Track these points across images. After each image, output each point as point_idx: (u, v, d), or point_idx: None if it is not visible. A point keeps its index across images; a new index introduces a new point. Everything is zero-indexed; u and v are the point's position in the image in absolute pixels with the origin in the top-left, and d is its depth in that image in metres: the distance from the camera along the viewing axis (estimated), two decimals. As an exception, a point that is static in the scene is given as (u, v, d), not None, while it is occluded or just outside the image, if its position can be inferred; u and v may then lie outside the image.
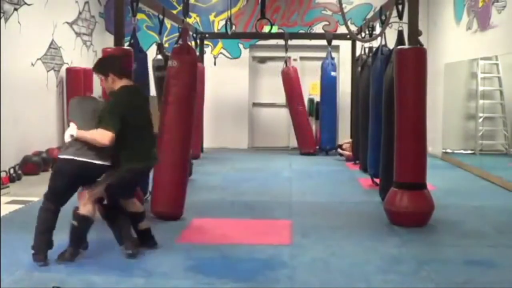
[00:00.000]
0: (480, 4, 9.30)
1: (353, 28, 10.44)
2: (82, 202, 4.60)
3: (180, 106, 6.00)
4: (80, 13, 11.46)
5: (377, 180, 7.20)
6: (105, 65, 4.78)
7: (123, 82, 4.72)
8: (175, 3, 12.28)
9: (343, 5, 6.73)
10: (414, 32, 5.86)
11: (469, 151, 10.78)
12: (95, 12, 12.25)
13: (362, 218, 6.10)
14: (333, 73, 11.43)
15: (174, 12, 10.45)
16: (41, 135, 9.72)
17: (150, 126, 4.86)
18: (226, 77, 12.40)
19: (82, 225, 4.57)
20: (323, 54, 11.55)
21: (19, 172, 8.49)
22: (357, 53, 10.36)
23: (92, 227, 4.63)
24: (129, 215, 4.83)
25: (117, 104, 4.62)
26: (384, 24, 6.97)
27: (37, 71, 9.64)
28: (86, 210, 4.55)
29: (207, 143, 11.94)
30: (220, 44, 12.75)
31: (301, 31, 12.45)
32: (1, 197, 6.91)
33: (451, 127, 11.10)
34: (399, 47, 6.15)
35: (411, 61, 5.84)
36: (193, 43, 10.37)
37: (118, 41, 6.02)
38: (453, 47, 10.74)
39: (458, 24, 10.43)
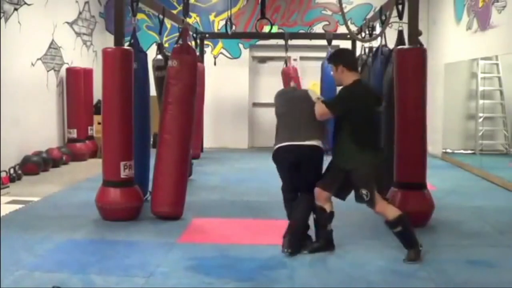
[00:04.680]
0: (480, 4, 9.30)
1: (353, 28, 10.44)
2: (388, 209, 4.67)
3: (180, 106, 6.00)
4: (80, 13, 11.47)
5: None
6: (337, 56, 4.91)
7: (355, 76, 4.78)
8: (175, 3, 12.28)
9: (343, 5, 6.72)
10: (414, 32, 5.86)
11: (469, 151, 10.78)
12: (95, 12, 12.25)
13: (362, 218, 6.08)
14: (332, 73, 11.40)
15: (174, 12, 10.44)
16: (41, 135, 9.73)
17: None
18: (226, 77, 12.40)
19: (404, 224, 4.60)
20: (323, 54, 11.53)
21: (19, 172, 8.49)
22: (357, 53, 10.36)
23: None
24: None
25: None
26: (384, 24, 6.96)
27: (37, 71, 9.65)
28: (391, 213, 4.63)
29: (207, 143, 11.94)
30: (220, 44, 12.75)
31: (301, 31, 12.45)
32: (1, 197, 6.91)
33: (451, 127, 11.10)
34: (399, 47, 6.16)
35: (411, 61, 5.84)
36: (193, 43, 10.37)
37: (118, 41, 6.03)
38: (453, 47, 10.74)
39: (458, 24, 10.44)
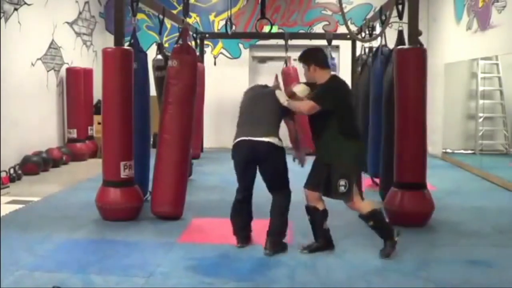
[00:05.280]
0: (480, 4, 9.30)
1: (353, 28, 10.44)
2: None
3: (180, 106, 6.00)
4: (80, 13, 11.47)
5: (377, 180, 7.19)
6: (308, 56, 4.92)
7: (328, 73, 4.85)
8: (175, 3, 12.28)
9: (343, 5, 6.72)
10: (414, 32, 5.86)
11: (469, 151, 10.78)
12: (95, 12, 12.25)
13: (362, 218, 6.09)
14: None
15: (174, 12, 10.44)
16: (41, 135, 9.73)
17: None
18: (226, 77, 12.39)
19: (377, 218, 4.70)
20: (323, 54, 11.53)
21: (19, 172, 8.49)
22: (357, 53, 10.36)
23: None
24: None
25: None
26: (384, 24, 6.96)
27: (37, 71, 9.65)
28: (366, 208, 4.69)
29: (207, 143, 11.94)
30: (220, 44, 12.75)
31: (301, 31, 12.45)
32: (1, 197, 6.91)
33: (451, 127, 11.10)
34: (399, 47, 6.16)
35: (411, 61, 5.84)
36: (193, 43, 10.37)
37: (118, 41, 6.03)
38: (453, 47, 10.74)
39: (458, 24, 10.44)
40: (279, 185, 4.88)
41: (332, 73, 4.89)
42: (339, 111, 4.63)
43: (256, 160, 4.77)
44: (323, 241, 4.85)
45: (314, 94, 4.73)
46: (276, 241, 4.80)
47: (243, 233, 4.99)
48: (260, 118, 4.80)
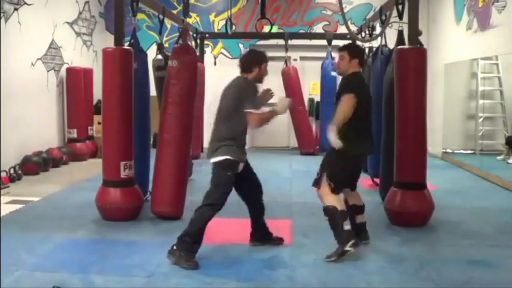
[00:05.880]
0: (480, 4, 9.30)
1: (353, 28, 10.44)
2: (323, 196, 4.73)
3: (180, 106, 6.00)
4: (80, 13, 11.47)
5: (377, 180, 7.20)
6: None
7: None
8: (175, 3, 12.28)
9: (343, 5, 6.72)
10: (414, 32, 5.86)
11: (469, 151, 10.78)
12: (95, 12, 12.25)
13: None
14: (333, 73, 11.38)
15: (174, 12, 10.44)
16: (41, 135, 9.73)
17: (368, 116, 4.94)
18: (226, 77, 12.30)
19: (333, 217, 4.62)
20: (323, 54, 11.53)
21: (19, 172, 8.49)
22: (357, 53, 10.36)
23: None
24: (351, 207, 4.94)
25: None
26: (384, 24, 6.96)
27: (37, 71, 9.65)
28: (328, 201, 4.67)
29: (207, 143, 11.92)
30: (220, 44, 12.75)
31: (301, 31, 12.45)
32: (1, 197, 6.91)
33: (451, 127, 11.10)
34: (399, 47, 6.16)
35: (411, 61, 5.84)
36: (193, 43, 10.37)
37: (118, 41, 6.03)
38: (453, 47, 10.74)
39: (458, 24, 10.44)
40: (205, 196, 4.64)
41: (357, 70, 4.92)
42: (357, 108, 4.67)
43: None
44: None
45: (343, 90, 4.75)
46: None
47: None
48: (213, 128, 4.78)
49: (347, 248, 4.52)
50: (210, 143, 4.75)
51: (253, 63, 4.80)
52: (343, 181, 4.82)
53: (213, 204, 4.54)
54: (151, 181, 6.18)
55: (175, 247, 4.49)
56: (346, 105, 4.63)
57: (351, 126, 4.62)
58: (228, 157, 4.56)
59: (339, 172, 4.73)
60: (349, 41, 11.08)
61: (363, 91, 4.84)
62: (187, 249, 4.44)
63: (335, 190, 4.71)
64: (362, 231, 5.05)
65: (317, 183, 4.77)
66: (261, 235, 5.03)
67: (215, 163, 4.62)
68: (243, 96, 4.62)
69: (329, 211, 4.64)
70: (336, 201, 4.68)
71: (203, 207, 4.56)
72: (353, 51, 4.95)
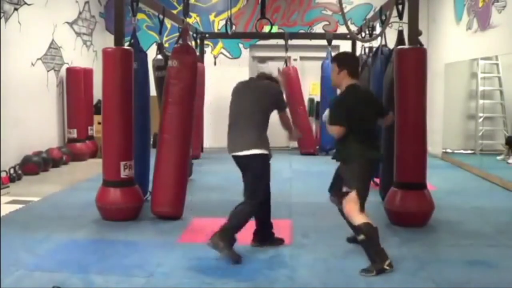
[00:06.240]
0: (480, 4, 9.30)
1: (353, 28, 10.44)
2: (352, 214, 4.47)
3: (180, 106, 6.00)
4: (80, 13, 11.46)
5: (377, 180, 7.19)
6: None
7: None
8: (175, 3, 12.28)
9: (343, 5, 6.72)
10: (414, 32, 5.86)
11: (469, 151, 10.78)
12: (95, 12, 12.25)
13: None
14: (353, 83, 11.38)
15: (174, 12, 10.44)
16: (41, 135, 9.73)
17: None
18: (226, 77, 12.34)
19: (371, 235, 4.35)
20: (323, 54, 11.53)
21: (19, 172, 8.49)
22: (357, 53, 10.36)
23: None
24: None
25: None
26: (384, 24, 6.96)
27: (37, 71, 9.65)
28: (360, 219, 4.41)
29: (207, 143, 11.94)
30: (220, 44, 12.75)
31: (301, 31, 12.45)
32: (1, 197, 6.91)
33: (451, 127, 11.10)
34: (399, 47, 6.16)
35: (411, 61, 5.84)
36: (193, 43, 10.37)
37: (118, 41, 6.03)
38: (453, 47, 10.74)
39: (458, 24, 10.44)
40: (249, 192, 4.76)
41: (353, 82, 4.67)
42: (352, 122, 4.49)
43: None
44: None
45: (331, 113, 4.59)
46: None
47: None
48: (245, 125, 4.77)
49: (386, 266, 4.31)
50: (243, 137, 4.75)
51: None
52: (367, 195, 4.62)
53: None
54: (151, 181, 6.18)
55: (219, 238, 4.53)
56: (335, 131, 4.50)
57: (358, 134, 4.50)
58: (267, 151, 4.76)
59: (365, 187, 4.55)
60: (349, 41, 11.13)
61: (354, 110, 4.49)
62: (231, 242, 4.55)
63: (361, 207, 4.49)
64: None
65: (339, 195, 4.58)
66: (264, 235, 5.02)
67: (256, 156, 4.70)
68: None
69: (365, 229, 4.34)
70: (367, 218, 4.43)
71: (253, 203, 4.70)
72: (340, 61, 4.68)
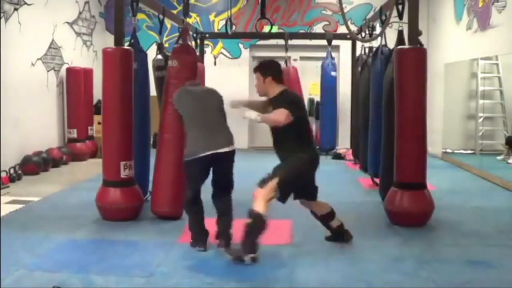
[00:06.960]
0: (480, 4, 9.30)
1: (353, 28, 10.44)
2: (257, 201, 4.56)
3: (180, 106, 5.99)
4: (80, 13, 11.47)
5: (377, 180, 7.20)
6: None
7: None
8: (175, 3, 12.29)
9: (343, 5, 6.72)
10: (414, 32, 5.86)
11: (469, 151, 10.78)
12: (95, 12, 12.25)
13: (362, 218, 6.09)
14: (333, 73, 11.42)
15: (174, 12, 10.44)
16: (41, 135, 9.73)
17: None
18: (226, 77, 12.36)
19: (257, 224, 4.48)
20: (323, 54, 11.53)
21: (19, 172, 8.49)
22: (357, 53, 10.36)
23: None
24: (320, 218, 5.01)
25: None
26: (384, 24, 6.96)
27: (37, 71, 9.65)
28: (261, 207, 4.52)
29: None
30: (220, 44, 12.75)
31: (301, 31, 12.45)
32: (1, 197, 6.91)
33: (451, 127, 11.10)
34: (399, 47, 6.16)
35: (411, 61, 5.84)
36: (193, 43, 10.36)
37: (118, 41, 6.03)
38: (453, 47, 10.74)
39: (458, 24, 10.44)
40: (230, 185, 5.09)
41: (283, 87, 4.76)
42: (300, 123, 4.63)
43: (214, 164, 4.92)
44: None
45: (282, 105, 4.56)
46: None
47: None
48: (218, 123, 4.96)
49: (247, 258, 4.43)
50: (223, 133, 4.98)
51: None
52: (291, 192, 4.73)
53: None
54: (151, 181, 6.18)
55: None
56: (281, 116, 4.50)
57: (296, 135, 4.69)
58: None
59: (292, 180, 4.67)
60: (349, 41, 11.13)
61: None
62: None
63: (280, 199, 4.64)
64: (342, 232, 5.06)
65: (262, 184, 4.64)
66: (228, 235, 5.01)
67: (234, 150, 5.05)
68: None
69: (258, 218, 4.45)
70: (267, 210, 4.52)
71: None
72: (263, 69, 4.75)
